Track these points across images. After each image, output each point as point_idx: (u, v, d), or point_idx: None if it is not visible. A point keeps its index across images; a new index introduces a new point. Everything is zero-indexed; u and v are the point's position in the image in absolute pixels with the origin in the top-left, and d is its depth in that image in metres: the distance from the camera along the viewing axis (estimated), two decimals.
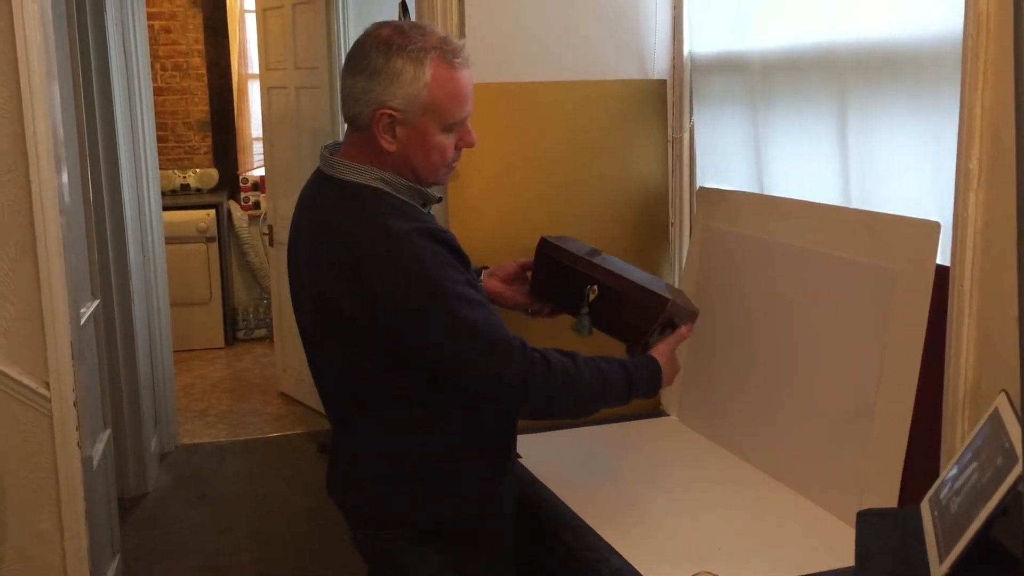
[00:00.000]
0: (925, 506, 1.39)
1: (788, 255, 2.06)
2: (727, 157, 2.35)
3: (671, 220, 2.53)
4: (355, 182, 1.66)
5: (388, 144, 1.62)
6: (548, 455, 2.21)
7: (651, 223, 2.52)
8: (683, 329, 1.90)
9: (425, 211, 1.73)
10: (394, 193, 1.67)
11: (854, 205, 1.92)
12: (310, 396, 5.05)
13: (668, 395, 2.50)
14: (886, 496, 1.73)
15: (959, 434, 1.50)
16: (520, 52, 2.39)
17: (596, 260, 1.95)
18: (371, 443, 1.73)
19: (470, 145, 1.71)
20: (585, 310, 1.91)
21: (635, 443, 2.31)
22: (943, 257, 1.65)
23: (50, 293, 2.22)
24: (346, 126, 1.70)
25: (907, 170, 1.77)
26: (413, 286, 1.56)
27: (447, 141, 1.67)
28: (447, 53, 1.62)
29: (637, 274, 1.98)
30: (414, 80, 1.59)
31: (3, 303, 2.22)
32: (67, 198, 2.34)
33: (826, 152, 1.95)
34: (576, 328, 1.92)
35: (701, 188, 2.44)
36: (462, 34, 2.38)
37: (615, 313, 1.89)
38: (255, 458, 4.44)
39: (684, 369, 2.42)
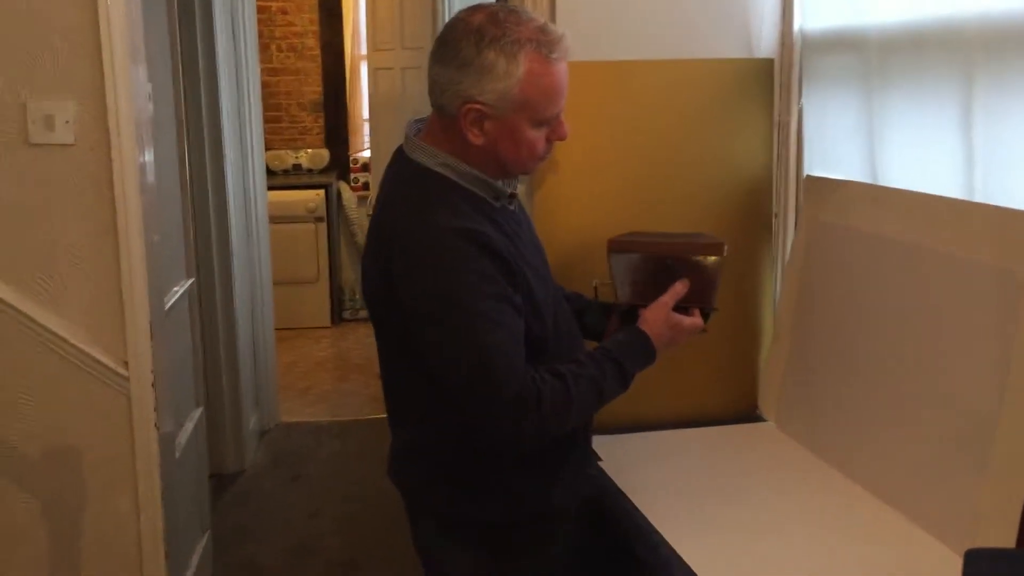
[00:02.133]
0: None
1: (903, 253, 1.86)
2: (837, 144, 2.15)
3: (775, 211, 2.35)
4: (422, 164, 1.59)
5: (475, 137, 1.55)
6: (630, 459, 2.07)
7: (753, 213, 2.34)
8: (677, 286, 1.74)
9: (498, 204, 1.62)
10: (459, 181, 1.57)
11: (978, 199, 1.71)
12: None
13: (766, 399, 2.32)
14: (1004, 531, 1.53)
15: None
16: (614, 29, 2.25)
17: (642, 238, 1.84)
18: (410, 437, 1.72)
19: (562, 138, 1.61)
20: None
21: (727, 451, 2.16)
22: None
23: (130, 273, 2.20)
24: (432, 107, 1.63)
25: None
26: (431, 288, 1.50)
27: (538, 135, 1.58)
28: (543, 46, 1.52)
29: (670, 235, 1.89)
30: (506, 75, 1.50)
31: (84, 282, 2.22)
32: (150, 177, 2.32)
33: (948, 140, 1.74)
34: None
35: (809, 177, 2.25)
36: (553, 8, 2.25)
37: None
38: (351, 440, 4.43)
39: (785, 372, 2.25)
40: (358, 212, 6.45)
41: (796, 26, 2.25)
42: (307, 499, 3.80)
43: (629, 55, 2.26)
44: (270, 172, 6.35)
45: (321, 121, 6.71)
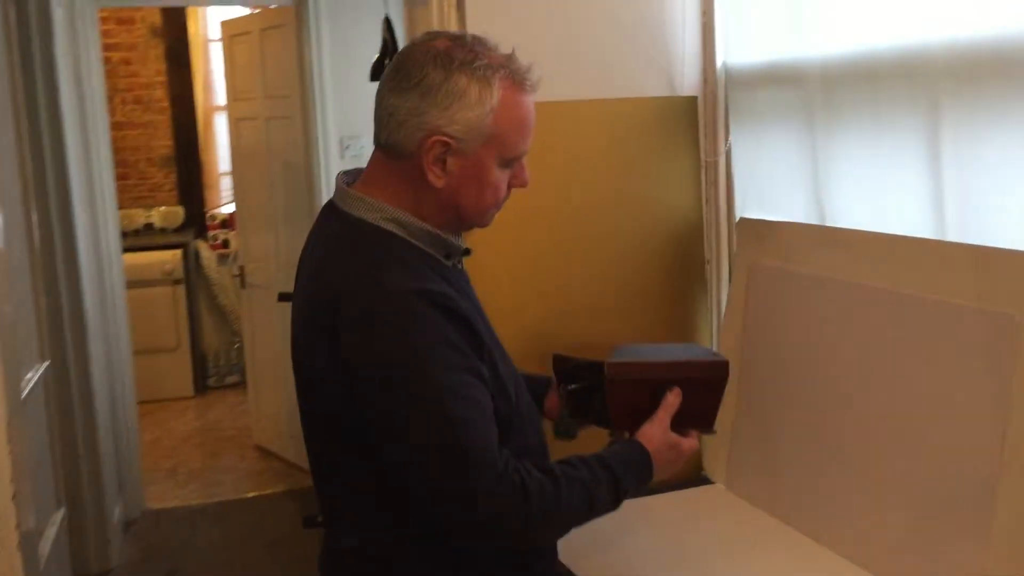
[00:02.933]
0: None
1: (862, 298, 1.73)
2: (775, 183, 2.02)
3: (707, 256, 2.20)
4: (363, 220, 1.36)
5: (436, 178, 1.34)
6: (582, 543, 1.83)
7: (684, 259, 2.19)
8: (669, 398, 1.54)
9: (449, 264, 1.41)
10: (408, 239, 1.36)
11: (952, 239, 1.60)
12: (289, 448, 4.66)
13: (711, 459, 2.16)
14: None
15: None
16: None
17: (644, 358, 1.60)
18: (352, 541, 1.44)
19: (523, 184, 1.42)
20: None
21: (682, 520, 1.97)
22: None
23: None
24: (376, 148, 1.41)
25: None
26: (393, 361, 1.27)
27: (503, 177, 1.38)
28: (516, 73, 1.35)
29: (667, 352, 1.69)
30: (479, 103, 1.31)
31: None
32: None
33: (912, 176, 1.63)
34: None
35: (743, 219, 2.12)
36: None
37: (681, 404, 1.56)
38: (231, 524, 4.04)
39: (732, 429, 2.09)
40: (219, 272, 6.05)
41: (719, 62, 2.13)
42: None
43: (547, 96, 2.07)
44: (120, 233, 5.90)
45: (173, 177, 6.30)
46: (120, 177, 6.12)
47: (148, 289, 5.61)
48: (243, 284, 4.79)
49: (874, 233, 1.73)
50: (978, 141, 1.50)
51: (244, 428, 5.18)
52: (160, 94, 6.23)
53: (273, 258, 4.58)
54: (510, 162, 1.38)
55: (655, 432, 1.49)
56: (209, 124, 6.31)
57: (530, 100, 1.37)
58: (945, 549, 1.54)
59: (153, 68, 6.20)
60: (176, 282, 5.74)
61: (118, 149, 6.10)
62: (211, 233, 6.17)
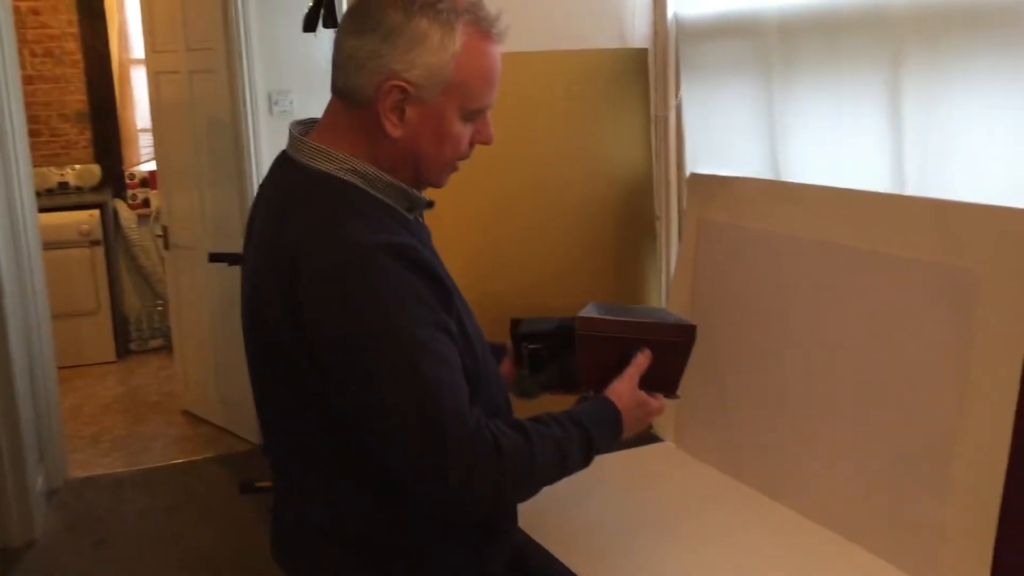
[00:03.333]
0: None
1: (820, 254, 1.72)
2: (728, 138, 1.99)
3: (657, 213, 2.17)
4: (320, 171, 1.29)
5: (392, 127, 1.27)
6: (536, 505, 1.81)
7: (634, 215, 2.16)
8: (640, 358, 1.51)
9: (410, 217, 1.34)
10: (369, 190, 1.29)
11: (911, 193, 1.59)
12: (218, 413, 4.54)
13: (660, 417, 2.14)
14: (973, 557, 1.41)
15: None
16: None
17: (611, 316, 1.55)
18: (317, 506, 1.37)
19: (487, 141, 1.36)
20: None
21: (634, 479, 1.95)
22: None
23: None
24: (333, 96, 1.33)
25: (987, 148, 1.44)
26: (360, 318, 1.20)
27: (464, 131, 1.31)
28: (482, 20, 1.28)
29: (636, 312, 1.64)
30: (440, 48, 1.25)
31: None
32: None
33: (873, 129, 1.61)
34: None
35: (693, 174, 2.09)
36: None
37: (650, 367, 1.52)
38: (160, 491, 3.92)
39: (681, 387, 2.08)
40: (139, 232, 5.83)
41: (670, 13, 2.08)
42: (116, 568, 3.29)
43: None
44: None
45: (88, 133, 6.02)
46: (32, 134, 5.83)
47: (65, 251, 5.38)
48: (166, 245, 4.62)
49: (829, 187, 1.71)
50: (941, 94, 1.49)
51: (170, 393, 5.02)
52: (72, 46, 5.93)
53: (199, 218, 4.42)
54: (472, 115, 1.31)
55: (624, 389, 1.46)
56: (126, 78, 6.04)
57: (496, 50, 1.30)
58: (903, 504, 1.55)
59: (64, 19, 5.89)
60: (94, 243, 5.51)
61: (28, 104, 5.77)
62: (130, 192, 5.93)
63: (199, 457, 4.22)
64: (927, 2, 1.47)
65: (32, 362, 3.78)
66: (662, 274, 2.19)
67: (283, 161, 1.35)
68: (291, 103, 4.03)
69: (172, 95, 4.44)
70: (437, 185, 1.37)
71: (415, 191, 1.34)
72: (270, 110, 4.03)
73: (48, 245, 5.23)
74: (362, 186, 1.29)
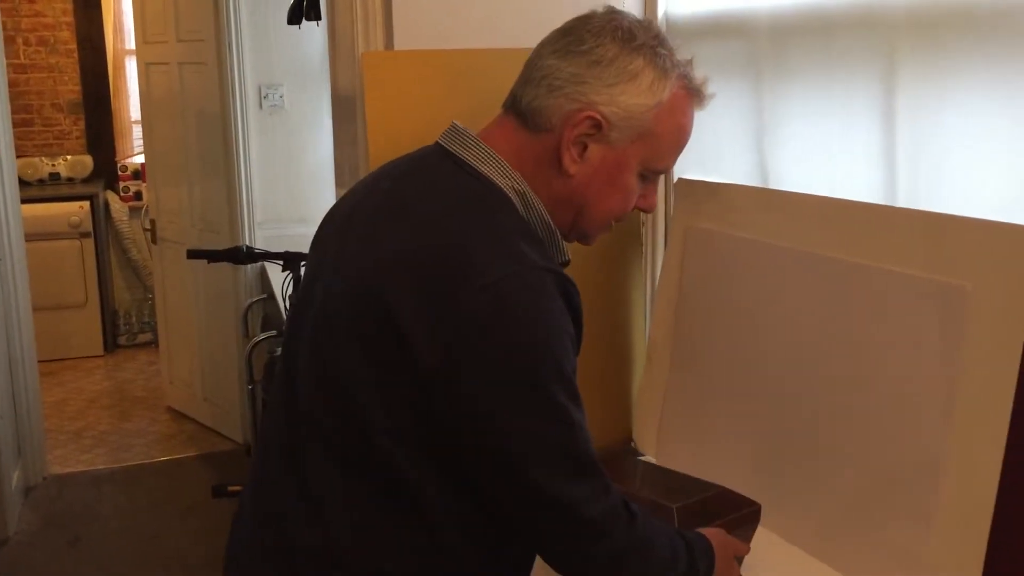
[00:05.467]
0: None
1: (808, 265, 1.65)
2: (717, 143, 1.92)
3: (642, 219, 2.10)
4: (489, 179, 1.18)
5: (571, 162, 1.17)
6: None
7: (617, 223, 2.08)
8: (742, 547, 1.46)
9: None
10: (525, 218, 1.19)
11: (902, 204, 1.52)
12: (203, 411, 4.49)
13: (641, 431, 2.07)
14: None
15: None
16: (450, 14, 1.92)
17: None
18: (353, 535, 1.17)
19: (649, 209, 1.27)
20: None
21: None
22: None
23: None
24: (505, 113, 1.23)
25: (984, 160, 1.37)
26: (524, 347, 1.07)
27: (636, 189, 1.22)
28: (694, 81, 1.21)
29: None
30: (648, 92, 1.16)
31: None
32: None
33: (865, 136, 1.54)
34: None
35: (681, 179, 2.02)
36: None
37: None
38: (140, 489, 3.86)
39: (664, 401, 2.01)
40: (130, 225, 5.78)
41: (660, 11, 2.01)
42: (91, 567, 3.23)
43: (466, 43, 1.94)
44: (23, 183, 5.57)
45: (81, 124, 5.97)
46: (24, 123, 5.80)
47: (53, 242, 5.34)
48: (154, 239, 4.56)
49: (819, 197, 1.64)
50: (936, 100, 1.42)
51: (156, 389, 4.97)
52: (67, 35, 5.88)
53: (187, 212, 4.36)
54: (649, 175, 1.23)
55: (717, 535, 1.37)
56: (120, 68, 5.98)
57: (693, 113, 1.23)
58: (885, 531, 1.48)
59: (59, 7, 5.84)
60: (83, 235, 5.46)
61: (21, 93, 5.77)
62: (122, 184, 5.88)
63: (181, 456, 4.16)
64: (923, 4, 1.40)
65: (12, 356, 3.72)
66: (647, 281, 2.12)
67: (437, 154, 1.22)
68: (281, 97, 3.97)
69: (162, 87, 4.38)
70: (587, 241, 1.27)
71: (562, 242, 1.23)
72: (260, 104, 3.97)
73: (37, 236, 5.20)
74: (520, 211, 1.18)
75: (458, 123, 1.24)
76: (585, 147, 1.17)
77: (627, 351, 2.13)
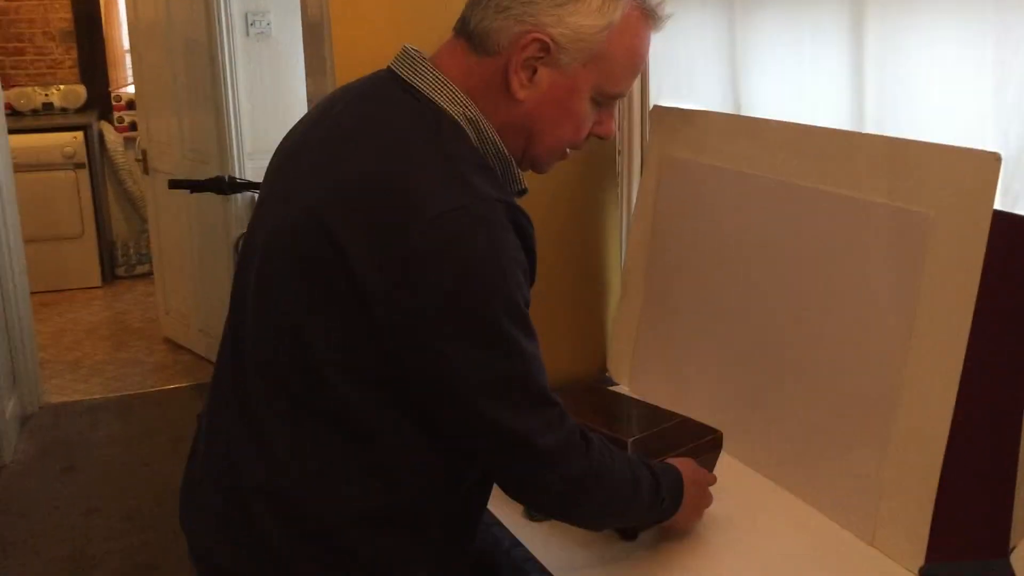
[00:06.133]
0: (1021, 562, 1.00)
1: (777, 193, 1.63)
2: (692, 69, 1.89)
3: (618, 147, 2.07)
4: (439, 107, 1.14)
5: (519, 86, 1.14)
6: None
7: (593, 150, 2.06)
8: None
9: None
10: (477, 146, 1.15)
11: (870, 130, 1.49)
12: (199, 342, 4.51)
13: (616, 361, 2.08)
14: (915, 510, 1.34)
15: None
16: None
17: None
18: (303, 472, 1.16)
19: (606, 135, 1.23)
20: None
21: None
22: (1005, 204, 1.25)
23: None
24: (456, 36, 1.19)
25: (950, 86, 1.34)
26: (473, 279, 1.06)
27: (589, 115, 1.19)
28: (649, 2, 1.16)
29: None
30: (598, 12, 1.12)
31: None
32: None
33: (833, 62, 1.51)
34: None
35: (656, 107, 1.98)
36: None
37: None
38: (134, 418, 3.91)
39: (637, 330, 2.01)
40: (126, 156, 5.75)
41: None
42: (83, 494, 3.28)
43: None
44: (15, 113, 5.56)
45: (74, 53, 5.91)
46: (15, 52, 5.75)
47: (47, 173, 5.32)
48: (145, 170, 4.54)
49: (789, 123, 1.61)
50: (904, 27, 1.38)
51: (153, 320, 5.00)
52: None
53: (177, 143, 4.33)
54: (602, 100, 1.18)
55: (687, 464, 1.37)
56: None
57: (650, 36, 1.18)
58: (843, 457, 1.48)
59: None
60: (78, 166, 5.43)
61: (11, 22, 5.71)
62: (117, 115, 5.84)
63: (175, 386, 4.20)
64: None
65: (3, 287, 3.73)
66: (622, 209, 2.10)
67: (387, 80, 1.18)
68: (268, 24, 3.91)
69: (148, 15, 4.32)
70: (540, 169, 1.24)
71: (517, 170, 1.20)
72: (247, 31, 3.90)
73: (30, 167, 5.19)
74: (472, 140, 1.14)
75: (409, 46, 1.21)
76: (534, 71, 1.13)
77: (603, 281, 2.13)
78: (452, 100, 1.14)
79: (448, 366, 1.07)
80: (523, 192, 1.22)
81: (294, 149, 1.24)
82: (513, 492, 1.23)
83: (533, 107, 1.15)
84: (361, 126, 1.16)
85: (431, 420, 1.13)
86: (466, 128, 1.14)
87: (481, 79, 1.15)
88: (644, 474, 1.26)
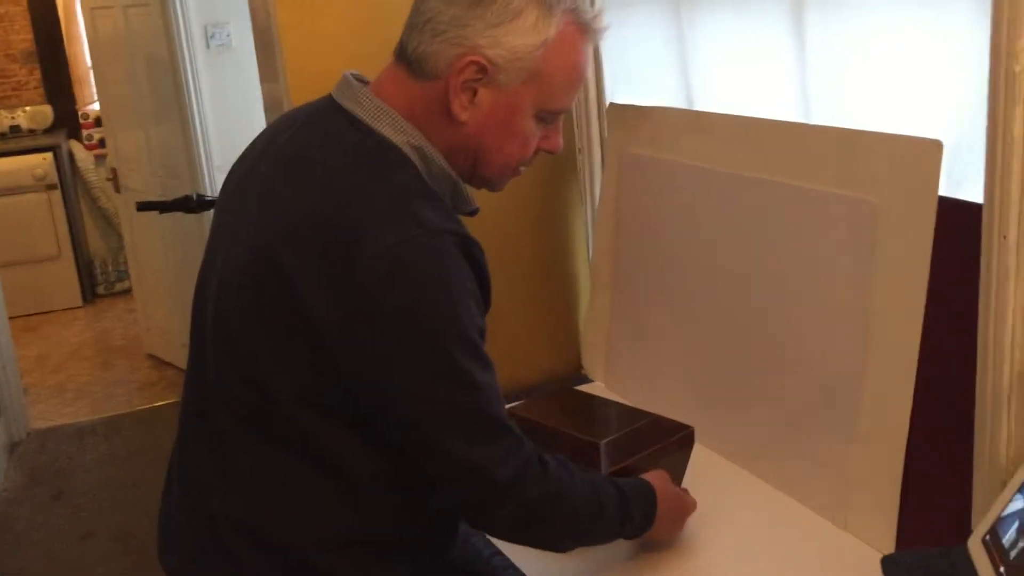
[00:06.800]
0: (977, 548, 1.02)
1: (733, 186, 1.64)
2: (643, 64, 1.90)
3: (578, 145, 2.08)
4: (383, 137, 1.14)
5: (460, 108, 1.13)
6: None
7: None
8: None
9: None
10: (424, 175, 1.15)
11: (815, 121, 1.51)
12: (182, 356, 4.49)
13: (590, 358, 2.09)
14: (883, 495, 1.37)
15: (1005, 436, 1.12)
16: None
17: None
18: (270, 501, 1.18)
19: (553, 149, 1.23)
20: None
21: None
22: (948, 190, 1.27)
23: None
24: (396, 62, 1.19)
25: (890, 74, 1.35)
26: (423, 313, 1.06)
27: (534, 132, 1.18)
28: (584, 15, 1.15)
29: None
30: (532, 30, 1.11)
31: None
32: None
33: (776, 53, 1.52)
34: None
35: (612, 104, 1.99)
36: None
37: None
38: (121, 439, 3.90)
39: (609, 326, 2.02)
40: (97, 173, 5.72)
41: None
42: (75, 520, 3.28)
43: None
44: None
45: (38, 73, 5.86)
46: None
47: (19, 197, 5.29)
48: (117, 188, 4.51)
49: (737, 117, 1.63)
50: (843, 16, 1.39)
51: (135, 337, 4.98)
52: None
53: (146, 159, 4.31)
54: (546, 116, 1.18)
55: (658, 480, 1.36)
56: (71, 13, 5.84)
57: (589, 50, 1.18)
58: (810, 442, 1.51)
59: None
60: (50, 187, 5.40)
61: None
62: (85, 132, 5.80)
63: (162, 403, 4.19)
64: None
65: None
66: (587, 207, 2.11)
67: (334, 109, 1.18)
68: (228, 36, 3.89)
69: (108, 31, 4.29)
70: (492, 187, 1.24)
71: (467, 192, 1.21)
72: (207, 44, 3.89)
73: (2, 192, 5.17)
74: (419, 167, 1.14)
75: (349, 74, 1.21)
76: (475, 92, 1.13)
77: (572, 278, 2.14)
78: (395, 128, 1.15)
79: (403, 399, 1.09)
80: (475, 212, 1.23)
81: (241, 183, 1.25)
82: (472, 519, 1.25)
83: (477, 128, 1.16)
84: (305, 161, 1.16)
85: (393, 451, 1.14)
86: (411, 155, 1.14)
87: (423, 104, 1.15)
88: (609, 493, 1.26)
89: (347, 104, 1.18)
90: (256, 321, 1.13)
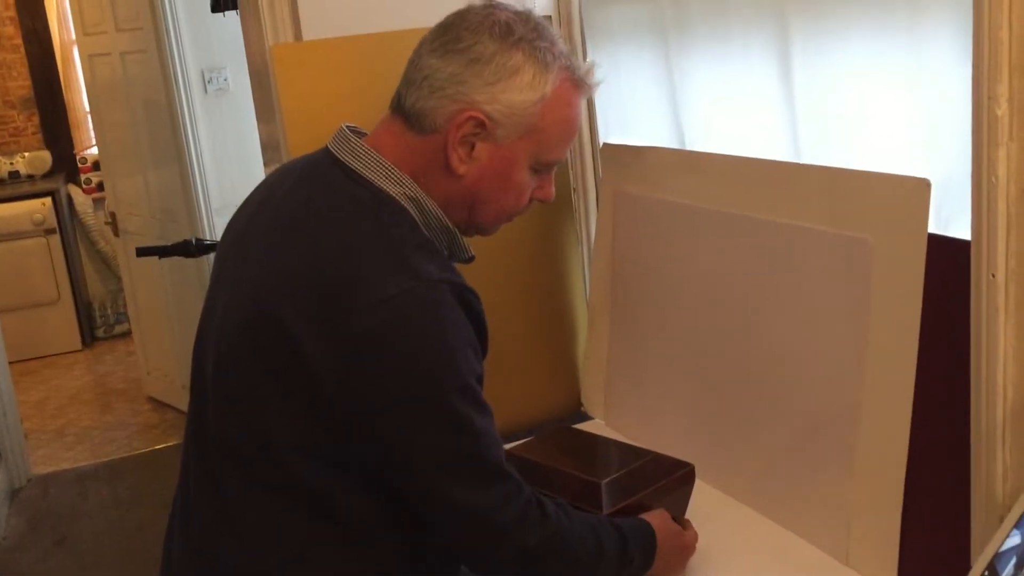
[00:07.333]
0: None
1: (727, 225, 1.66)
2: (636, 106, 1.92)
3: (573, 185, 2.11)
4: (380, 189, 1.17)
5: (459, 163, 1.16)
6: None
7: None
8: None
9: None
10: (421, 225, 1.18)
11: (805, 160, 1.53)
12: (182, 399, 4.50)
13: (590, 395, 2.10)
14: (883, 527, 1.38)
15: (1000, 471, 1.14)
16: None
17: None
18: (274, 552, 1.19)
19: (546, 199, 1.26)
20: None
21: None
22: (938, 227, 1.29)
23: None
24: (392, 115, 1.22)
25: (877, 114, 1.38)
26: (421, 360, 1.08)
27: (530, 183, 1.22)
28: (578, 71, 1.19)
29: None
30: (529, 87, 1.15)
31: None
32: None
33: (764, 94, 1.55)
34: None
35: (605, 144, 2.02)
36: None
37: None
38: (123, 483, 3.90)
39: (607, 364, 2.04)
40: (96, 217, 5.75)
41: None
42: (78, 566, 3.27)
43: (375, 27, 1.92)
44: None
45: (36, 119, 5.91)
46: None
47: (19, 242, 5.32)
48: (116, 232, 4.54)
49: (729, 156, 1.65)
50: (828, 58, 1.42)
51: (135, 380, 4.98)
52: (11, 30, 5.79)
53: (145, 203, 4.34)
54: (541, 168, 1.21)
55: (656, 518, 1.38)
56: (69, 59, 5.90)
57: (583, 104, 1.22)
58: (810, 477, 1.52)
59: (0, 2, 5.76)
60: (48, 232, 5.43)
61: None
62: (84, 176, 5.84)
63: (161, 446, 4.19)
64: None
65: None
66: (583, 247, 2.13)
67: (330, 162, 1.20)
68: (226, 80, 3.94)
69: (106, 78, 4.34)
70: (485, 234, 1.27)
71: (463, 240, 1.23)
72: (205, 88, 3.93)
73: (1, 237, 5.19)
74: (415, 218, 1.17)
75: (346, 127, 1.24)
76: (473, 146, 1.17)
77: (570, 317, 2.16)
78: (392, 181, 1.17)
79: (402, 448, 1.10)
80: (471, 259, 1.26)
81: (239, 236, 1.27)
82: (471, 565, 1.27)
83: (474, 181, 1.18)
84: (303, 214, 1.18)
85: (394, 498, 1.15)
86: (408, 207, 1.17)
87: (421, 157, 1.18)
88: (609, 535, 1.27)
89: (344, 156, 1.20)
90: (257, 372, 1.14)
